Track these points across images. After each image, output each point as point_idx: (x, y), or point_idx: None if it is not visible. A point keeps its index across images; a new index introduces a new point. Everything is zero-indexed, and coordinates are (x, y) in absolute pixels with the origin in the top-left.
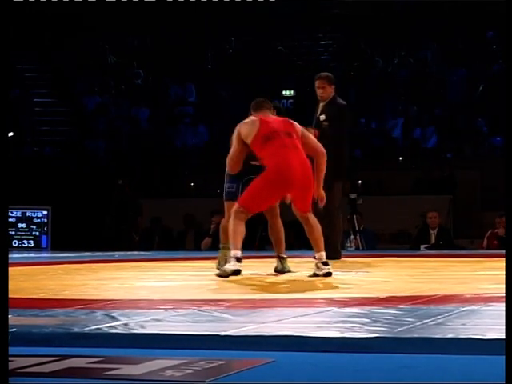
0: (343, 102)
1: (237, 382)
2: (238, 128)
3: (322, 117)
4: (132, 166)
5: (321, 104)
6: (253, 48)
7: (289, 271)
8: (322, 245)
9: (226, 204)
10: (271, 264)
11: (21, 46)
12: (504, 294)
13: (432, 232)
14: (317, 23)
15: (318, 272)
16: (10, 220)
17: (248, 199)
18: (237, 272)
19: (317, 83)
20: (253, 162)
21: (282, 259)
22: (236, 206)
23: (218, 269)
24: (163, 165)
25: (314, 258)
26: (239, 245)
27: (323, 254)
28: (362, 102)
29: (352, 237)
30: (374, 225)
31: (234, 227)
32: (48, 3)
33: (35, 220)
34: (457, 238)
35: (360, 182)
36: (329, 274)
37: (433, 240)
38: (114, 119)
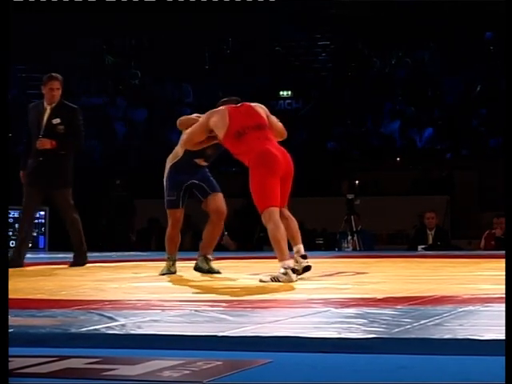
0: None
1: (235, 382)
2: (207, 116)
3: (56, 120)
4: (128, 166)
5: (48, 107)
6: (250, 48)
7: (218, 272)
8: (299, 238)
9: (168, 212)
10: (270, 265)
11: (18, 45)
12: (503, 295)
13: (429, 232)
14: (314, 24)
15: (296, 266)
16: (8, 220)
17: (265, 199)
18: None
19: (53, 84)
20: (197, 160)
21: (207, 259)
22: (264, 213)
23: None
24: (160, 165)
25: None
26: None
27: (301, 246)
28: (359, 102)
29: (349, 237)
30: (371, 225)
31: (277, 233)
32: (46, 3)
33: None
34: (454, 239)
35: (357, 182)
36: (308, 268)
37: (430, 240)
38: (111, 119)
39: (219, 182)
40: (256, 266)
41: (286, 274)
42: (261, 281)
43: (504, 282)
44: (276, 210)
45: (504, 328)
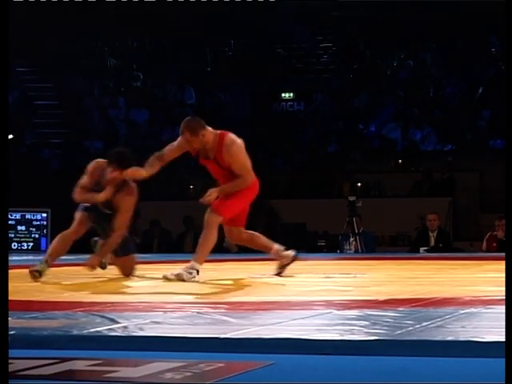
0: None
1: (236, 383)
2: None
3: None
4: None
5: None
6: (252, 50)
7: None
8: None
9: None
10: (271, 266)
11: (20, 47)
12: (504, 297)
13: (431, 234)
14: (316, 25)
15: (285, 261)
16: (10, 222)
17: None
18: None
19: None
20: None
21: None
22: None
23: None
24: (162, 167)
25: None
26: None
27: (276, 244)
28: (361, 104)
29: (351, 239)
30: (373, 227)
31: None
32: (48, 4)
33: (34, 222)
34: (456, 241)
35: (359, 184)
36: (296, 257)
37: (432, 242)
38: (113, 121)
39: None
40: (257, 268)
41: (191, 273)
42: (165, 278)
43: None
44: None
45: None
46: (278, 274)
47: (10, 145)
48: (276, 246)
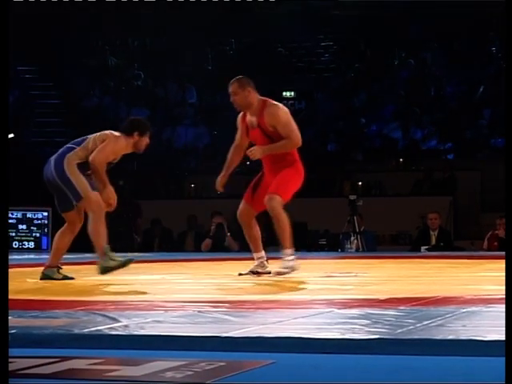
0: None
1: (237, 382)
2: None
3: None
4: (132, 167)
5: None
6: (253, 49)
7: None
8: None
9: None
10: (273, 265)
11: (21, 46)
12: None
13: (432, 233)
14: (317, 24)
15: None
16: (11, 221)
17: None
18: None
19: None
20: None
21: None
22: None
23: None
24: (163, 166)
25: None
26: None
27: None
28: (362, 103)
29: (352, 238)
30: (374, 226)
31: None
32: (49, 3)
33: (36, 221)
34: (457, 240)
35: (360, 183)
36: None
37: (433, 241)
38: (114, 120)
39: None
40: None
41: (292, 260)
42: (278, 274)
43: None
44: None
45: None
46: (247, 274)
47: (10, 143)
48: (263, 254)
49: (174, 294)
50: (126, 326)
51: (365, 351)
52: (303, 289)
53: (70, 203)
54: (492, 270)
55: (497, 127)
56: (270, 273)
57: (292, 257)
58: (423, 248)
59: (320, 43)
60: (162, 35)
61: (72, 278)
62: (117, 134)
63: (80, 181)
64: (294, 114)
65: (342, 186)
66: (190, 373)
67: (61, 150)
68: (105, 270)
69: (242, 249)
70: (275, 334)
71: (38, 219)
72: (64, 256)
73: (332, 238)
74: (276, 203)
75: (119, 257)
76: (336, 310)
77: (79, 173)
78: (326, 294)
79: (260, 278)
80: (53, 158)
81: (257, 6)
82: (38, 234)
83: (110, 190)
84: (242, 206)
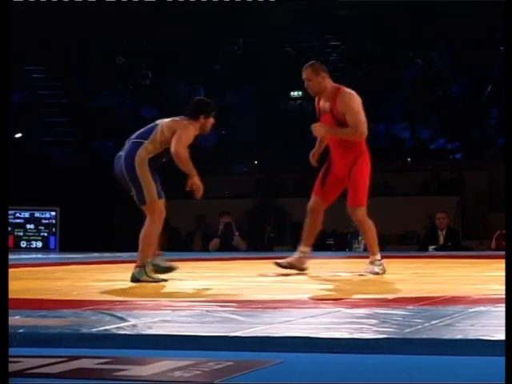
0: None
1: (245, 382)
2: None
3: None
4: None
5: None
6: (261, 49)
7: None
8: None
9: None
10: (269, 265)
11: (29, 46)
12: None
13: (440, 233)
14: (325, 24)
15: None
16: (19, 221)
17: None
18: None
19: None
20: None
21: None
22: (362, 209)
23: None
24: (170, 165)
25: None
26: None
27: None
28: (369, 102)
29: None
30: (381, 226)
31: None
32: (57, 3)
33: (43, 221)
34: (465, 239)
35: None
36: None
37: (441, 241)
38: (122, 119)
39: (229, 183)
40: (267, 266)
41: (380, 265)
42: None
43: None
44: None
45: None
46: (283, 266)
47: (18, 143)
48: (308, 249)
49: (181, 293)
50: (133, 325)
51: (373, 351)
52: (311, 288)
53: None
54: (500, 269)
55: (504, 126)
56: (304, 270)
57: (380, 262)
58: (431, 248)
59: (328, 43)
60: (170, 35)
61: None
62: (183, 120)
63: (149, 185)
64: (301, 114)
65: None
66: (198, 372)
67: (129, 146)
68: (134, 280)
69: (250, 248)
70: (283, 334)
71: (45, 219)
72: (74, 256)
73: (340, 237)
74: (359, 214)
75: (154, 275)
76: (344, 310)
77: (150, 176)
78: (333, 294)
79: (270, 277)
80: (122, 155)
81: (260, 5)
82: (45, 234)
83: (197, 179)
84: (312, 199)
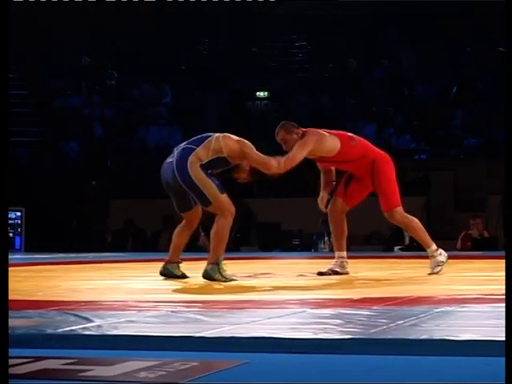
0: None
1: (211, 382)
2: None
3: None
4: (105, 166)
5: None
6: (226, 49)
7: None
8: None
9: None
10: (246, 265)
11: None
12: (479, 296)
13: (406, 233)
14: (291, 24)
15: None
16: None
17: (397, 197)
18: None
19: None
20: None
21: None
22: (397, 210)
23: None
24: (136, 166)
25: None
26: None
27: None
28: (336, 103)
29: (326, 238)
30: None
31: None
32: (23, 3)
33: (9, 221)
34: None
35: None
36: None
37: (407, 241)
38: (87, 120)
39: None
40: (232, 266)
41: (442, 260)
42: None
43: (481, 283)
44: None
45: (481, 329)
46: (326, 273)
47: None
48: (345, 254)
49: (147, 293)
50: (99, 325)
51: (338, 351)
52: (277, 289)
53: (189, 204)
54: (465, 269)
55: (470, 127)
56: (348, 273)
57: (438, 251)
58: (396, 248)
59: (294, 43)
60: (136, 34)
61: (187, 277)
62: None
63: (208, 185)
64: (267, 114)
65: (316, 186)
66: (163, 373)
67: (178, 153)
68: (208, 277)
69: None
70: (249, 334)
71: (11, 219)
72: (39, 256)
73: (305, 238)
74: (398, 216)
75: (227, 274)
76: (309, 310)
77: (206, 176)
78: (299, 294)
79: (236, 277)
80: (173, 161)
81: (231, 5)
82: (11, 234)
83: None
84: (333, 201)
